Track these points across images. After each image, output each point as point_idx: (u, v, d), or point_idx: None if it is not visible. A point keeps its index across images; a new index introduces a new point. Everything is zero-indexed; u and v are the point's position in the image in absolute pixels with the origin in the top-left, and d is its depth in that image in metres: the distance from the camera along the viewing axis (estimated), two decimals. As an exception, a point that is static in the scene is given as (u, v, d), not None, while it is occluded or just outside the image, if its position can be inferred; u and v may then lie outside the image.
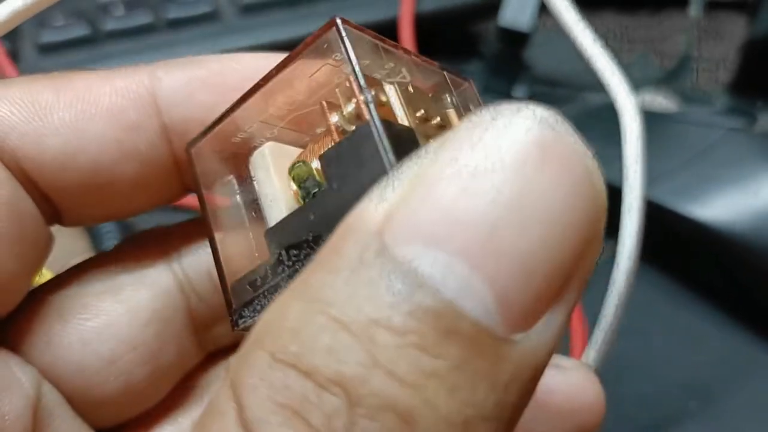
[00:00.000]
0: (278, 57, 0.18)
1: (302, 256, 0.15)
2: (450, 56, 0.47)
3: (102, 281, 0.19)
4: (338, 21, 0.15)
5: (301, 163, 0.16)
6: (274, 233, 0.16)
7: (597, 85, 0.32)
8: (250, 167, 0.18)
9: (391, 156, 0.13)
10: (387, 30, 0.45)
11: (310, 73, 0.16)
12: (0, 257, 0.17)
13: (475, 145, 0.10)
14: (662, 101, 0.43)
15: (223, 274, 0.17)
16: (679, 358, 0.34)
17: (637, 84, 0.41)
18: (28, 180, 0.18)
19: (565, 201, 0.10)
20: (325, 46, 0.15)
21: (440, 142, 0.11)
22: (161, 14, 0.45)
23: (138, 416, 0.20)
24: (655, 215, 0.32)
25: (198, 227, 0.20)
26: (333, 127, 0.16)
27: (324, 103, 0.16)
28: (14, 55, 0.43)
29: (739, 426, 0.32)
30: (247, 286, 0.16)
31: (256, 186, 0.17)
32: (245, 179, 0.18)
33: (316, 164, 0.16)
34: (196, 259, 0.20)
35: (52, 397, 0.18)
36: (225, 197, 0.18)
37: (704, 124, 0.37)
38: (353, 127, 0.15)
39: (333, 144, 0.15)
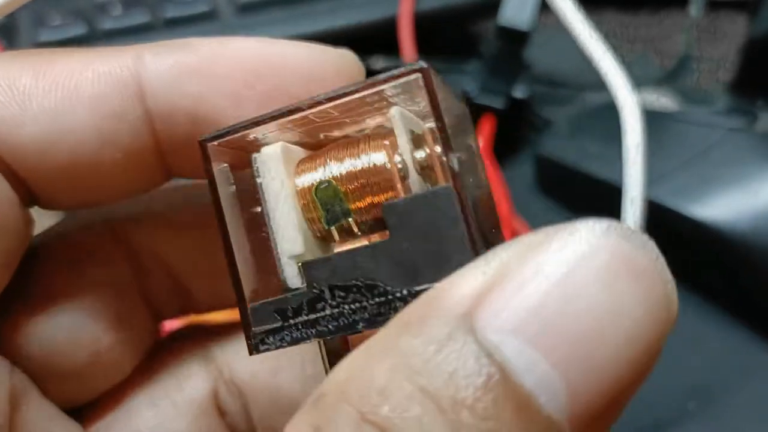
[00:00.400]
0: (270, 42, 0.18)
1: (350, 300, 0.15)
2: (449, 55, 0.47)
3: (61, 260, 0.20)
4: (429, 70, 0.14)
5: (327, 184, 0.16)
6: (314, 267, 0.15)
7: (597, 84, 0.32)
8: (256, 165, 0.17)
9: (477, 239, 0.14)
10: (386, 29, 0.45)
11: (363, 102, 0.16)
12: None
13: (570, 253, 0.12)
14: (662, 100, 0.43)
15: (241, 288, 0.16)
16: (679, 359, 0.34)
17: (637, 83, 0.41)
18: (4, 165, 0.17)
19: (647, 320, 0.12)
20: (400, 87, 0.15)
21: (532, 241, 0.12)
22: (159, 13, 0.44)
23: (108, 391, 0.20)
24: (656, 215, 0.32)
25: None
26: (395, 168, 0.15)
27: (388, 142, 0.16)
28: (11, 54, 0.42)
29: (739, 426, 0.32)
30: (275, 314, 0.16)
31: (262, 185, 0.17)
32: (240, 169, 0.17)
33: (334, 168, 0.16)
34: (142, 241, 0.21)
35: (21, 383, 0.18)
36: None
37: (704, 123, 0.37)
38: (414, 173, 0.15)
39: (393, 193, 0.15)
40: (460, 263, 0.13)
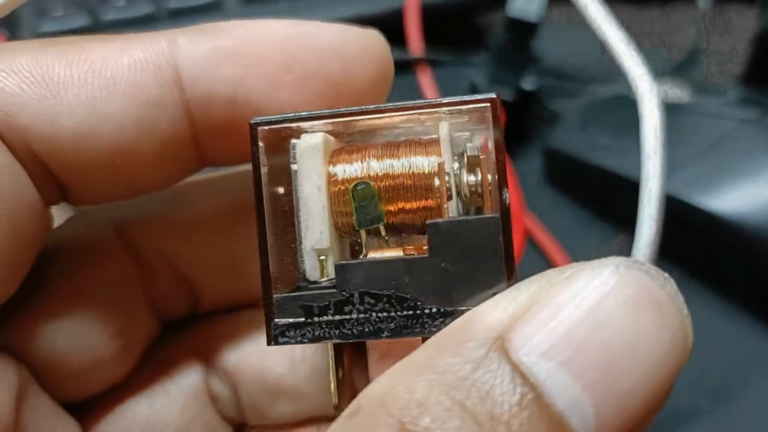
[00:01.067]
0: (302, 24, 0.18)
1: (379, 308, 0.15)
2: (457, 47, 0.47)
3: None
4: (497, 101, 0.15)
5: (365, 185, 0.16)
6: (347, 270, 0.16)
7: (606, 76, 0.31)
8: (294, 151, 0.17)
9: (513, 271, 0.15)
10: (393, 21, 0.45)
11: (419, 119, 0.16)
12: None
13: (598, 286, 0.13)
14: (674, 92, 0.43)
15: (268, 273, 0.16)
16: (693, 355, 0.33)
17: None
18: (36, 161, 0.17)
19: (668, 351, 0.13)
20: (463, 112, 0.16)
21: (561, 274, 0.13)
22: (162, 4, 0.44)
23: (112, 392, 0.20)
24: (668, 206, 0.31)
25: None
26: (444, 188, 0.16)
27: (439, 162, 0.16)
28: (13, 45, 0.42)
29: (753, 423, 0.31)
30: (300, 308, 0.16)
31: (297, 173, 0.17)
32: (276, 151, 0.17)
33: (373, 164, 0.16)
34: (149, 241, 0.20)
35: (23, 377, 0.18)
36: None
37: (717, 115, 0.37)
38: (455, 198, 0.16)
39: (428, 203, 0.16)
40: (494, 292, 0.14)
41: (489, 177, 0.15)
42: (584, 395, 0.12)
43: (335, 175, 0.16)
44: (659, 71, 0.46)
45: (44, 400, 0.19)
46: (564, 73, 0.47)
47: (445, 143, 0.16)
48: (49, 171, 0.17)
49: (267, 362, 0.21)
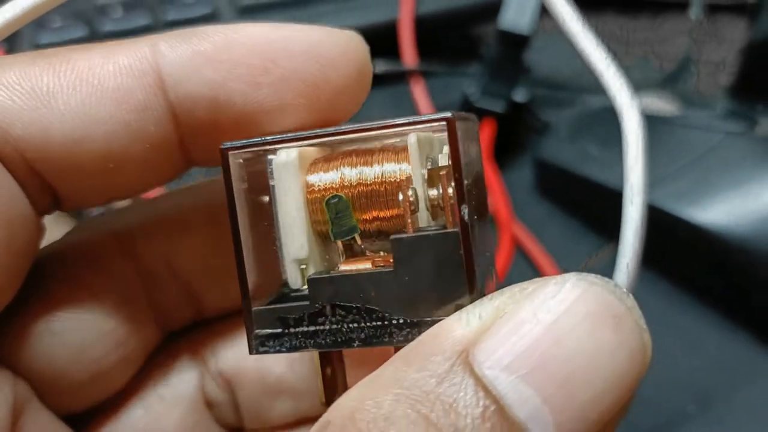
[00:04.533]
0: (280, 27, 0.18)
1: (349, 320, 0.16)
2: (449, 59, 0.47)
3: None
4: (454, 121, 0.15)
5: (338, 199, 0.17)
6: (319, 283, 0.16)
7: (597, 87, 0.32)
8: (271, 167, 0.17)
9: (476, 284, 0.15)
10: (387, 32, 0.45)
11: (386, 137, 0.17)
12: None
13: (559, 302, 0.13)
14: (662, 104, 0.43)
15: (246, 287, 0.17)
16: (678, 362, 0.34)
17: (636, 87, 0.41)
18: (30, 171, 0.17)
19: (626, 364, 0.13)
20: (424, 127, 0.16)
21: (524, 290, 0.14)
22: (159, 16, 0.45)
23: (107, 400, 0.20)
24: (655, 219, 0.32)
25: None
26: (407, 202, 0.16)
27: (405, 178, 0.16)
28: (12, 57, 0.42)
29: (739, 429, 0.32)
30: (277, 321, 0.17)
31: (275, 188, 0.17)
32: (251, 162, 0.18)
33: (347, 173, 0.17)
34: (152, 250, 0.21)
35: (22, 392, 0.18)
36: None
37: (704, 127, 0.37)
38: (424, 209, 0.16)
39: (399, 212, 0.16)
40: (458, 304, 0.15)
41: (450, 191, 0.16)
42: (544, 407, 0.13)
43: (312, 184, 0.17)
44: (649, 82, 0.47)
45: (43, 414, 0.19)
46: (556, 84, 0.47)
47: (413, 156, 0.16)
48: (42, 180, 0.18)
49: (265, 362, 0.21)
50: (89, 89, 0.17)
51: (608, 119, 0.37)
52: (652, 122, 0.35)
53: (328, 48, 0.18)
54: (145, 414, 0.21)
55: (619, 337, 0.13)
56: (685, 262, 0.36)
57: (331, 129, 0.16)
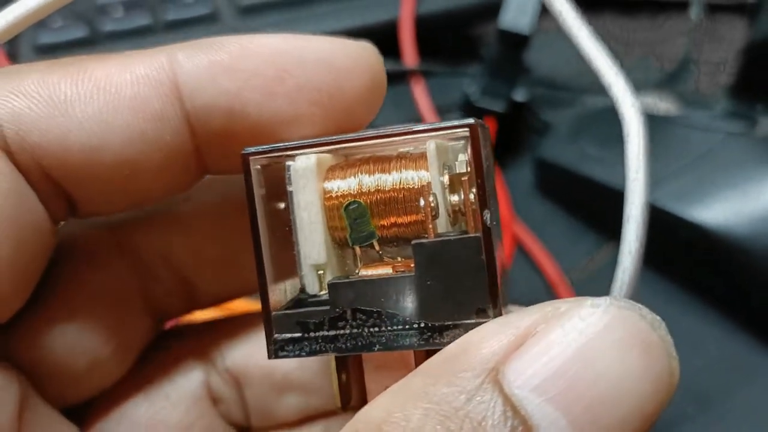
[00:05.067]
0: (294, 38, 0.18)
1: (370, 324, 0.16)
2: (450, 59, 0.47)
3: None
4: (477, 127, 0.16)
5: (356, 205, 0.17)
6: (340, 288, 0.16)
7: (597, 87, 0.32)
8: (289, 173, 0.18)
9: (497, 288, 0.15)
10: (387, 32, 0.45)
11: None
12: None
13: (591, 325, 0.13)
14: (662, 105, 0.43)
15: (266, 293, 0.17)
16: (680, 362, 0.34)
17: (637, 87, 0.41)
18: (46, 178, 0.17)
19: (652, 391, 0.13)
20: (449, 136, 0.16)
21: (557, 309, 0.14)
22: (160, 16, 0.45)
23: (110, 395, 0.21)
24: (656, 219, 0.32)
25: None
26: (429, 208, 0.16)
27: (426, 183, 0.17)
28: (12, 56, 0.42)
29: (738, 429, 0.32)
30: (296, 324, 0.17)
31: (293, 194, 0.17)
32: (270, 166, 0.18)
33: (365, 180, 0.17)
34: (147, 242, 0.21)
35: (24, 388, 0.18)
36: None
37: (704, 127, 0.37)
38: (444, 214, 0.16)
39: (417, 218, 0.17)
40: (479, 308, 0.15)
41: (471, 196, 0.16)
42: (570, 430, 0.13)
43: (330, 191, 0.17)
44: (649, 82, 0.47)
45: (44, 407, 0.19)
46: (556, 84, 0.47)
47: (432, 162, 0.17)
48: (59, 187, 0.18)
49: (273, 360, 0.21)
50: (106, 98, 0.17)
51: (608, 119, 0.37)
52: (652, 122, 0.35)
53: (342, 58, 0.18)
54: (148, 409, 0.21)
55: (648, 364, 0.13)
56: (685, 262, 0.36)
57: (353, 135, 0.17)
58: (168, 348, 0.22)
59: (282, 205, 0.18)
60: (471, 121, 0.16)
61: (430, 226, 0.16)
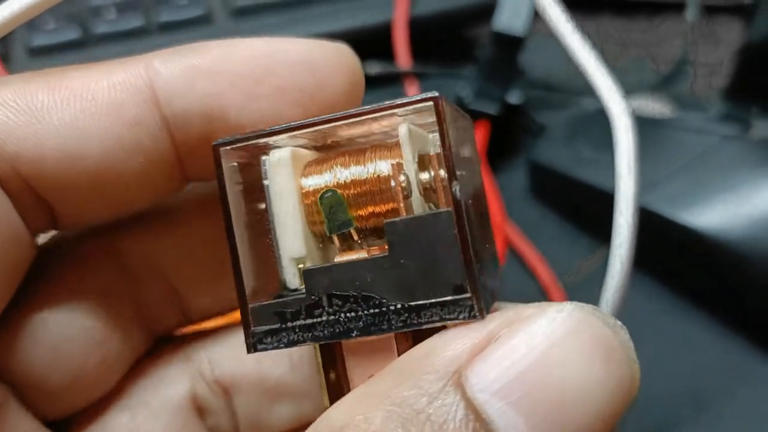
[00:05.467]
0: (272, 40, 0.18)
1: (346, 309, 0.16)
2: (444, 60, 0.47)
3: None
4: (441, 100, 0.15)
5: (331, 193, 0.17)
6: (315, 275, 0.16)
7: (591, 90, 0.32)
8: (265, 168, 0.17)
9: (472, 263, 0.15)
10: (381, 34, 0.45)
11: (374, 122, 0.17)
12: None
13: (553, 330, 0.13)
14: (657, 107, 0.43)
15: (242, 285, 0.17)
16: (672, 366, 0.34)
17: (632, 88, 0.41)
18: (25, 188, 0.17)
19: (614, 397, 0.13)
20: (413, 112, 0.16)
21: (519, 314, 0.14)
22: (153, 18, 0.44)
23: (91, 405, 0.20)
24: (648, 222, 0.32)
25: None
26: (399, 187, 0.16)
27: (395, 161, 0.16)
28: (5, 58, 0.42)
29: (733, 434, 0.32)
30: (274, 315, 0.16)
31: (269, 188, 0.17)
32: (249, 167, 0.18)
33: (340, 173, 0.17)
34: (137, 250, 0.20)
35: (2, 396, 0.18)
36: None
37: (698, 130, 0.37)
38: (417, 194, 0.16)
39: (394, 205, 0.16)
40: (455, 284, 0.15)
41: (442, 173, 0.16)
42: None
43: (307, 187, 0.17)
44: (645, 84, 0.47)
45: (25, 418, 0.19)
46: (550, 86, 0.47)
47: (404, 144, 0.16)
48: (38, 196, 0.18)
49: (265, 365, 0.21)
50: (83, 104, 0.17)
51: (602, 122, 0.37)
52: (646, 124, 0.35)
53: (322, 59, 0.18)
54: (129, 421, 0.20)
55: (610, 370, 0.13)
56: (679, 265, 0.36)
57: (323, 117, 0.16)
58: (153, 356, 0.22)
59: (262, 206, 0.18)
60: (435, 93, 0.15)
61: (402, 205, 0.16)
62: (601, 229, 0.38)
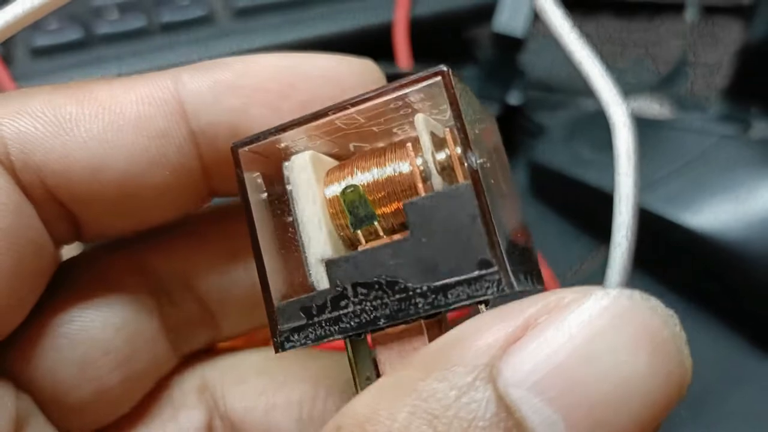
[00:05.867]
0: (296, 55, 0.18)
1: (372, 297, 0.15)
2: (444, 61, 0.47)
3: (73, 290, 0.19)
4: (448, 72, 0.15)
5: (353, 188, 0.16)
6: (336, 265, 0.16)
7: (591, 90, 0.32)
8: (287, 173, 0.17)
9: (495, 235, 0.14)
10: (381, 35, 0.45)
11: (388, 109, 0.16)
12: None
13: (596, 319, 0.12)
14: (656, 107, 0.43)
15: (268, 288, 0.16)
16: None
17: (631, 89, 0.41)
18: (50, 198, 0.17)
19: (660, 394, 0.12)
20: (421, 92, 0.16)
21: (560, 300, 0.13)
22: (155, 18, 0.45)
23: (112, 422, 0.20)
24: (647, 222, 0.32)
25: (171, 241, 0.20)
26: (417, 170, 0.16)
27: (410, 145, 0.16)
28: (7, 59, 0.42)
29: (731, 435, 0.32)
30: (300, 312, 0.16)
31: (292, 192, 0.17)
32: (273, 178, 0.18)
33: (360, 177, 0.17)
34: (168, 267, 0.20)
35: (25, 406, 0.18)
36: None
37: (698, 131, 0.37)
38: (435, 174, 0.16)
39: (413, 188, 0.16)
40: (480, 258, 0.14)
41: (458, 149, 0.15)
42: None
43: (330, 195, 0.17)
44: (644, 84, 0.47)
45: (48, 430, 0.19)
46: (550, 87, 0.47)
47: (421, 131, 0.16)
48: (63, 207, 0.18)
49: (273, 419, 0.21)
50: (111, 117, 0.17)
51: (602, 122, 0.37)
52: (646, 125, 0.35)
53: (347, 74, 0.18)
54: None
55: (657, 364, 0.12)
56: (678, 265, 0.36)
57: (332, 105, 0.16)
58: (173, 380, 0.21)
59: (291, 219, 0.18)
60: (442, 67, 0.15)
61: (420, 185, 0.16)
62: (600, 229, 0.38)
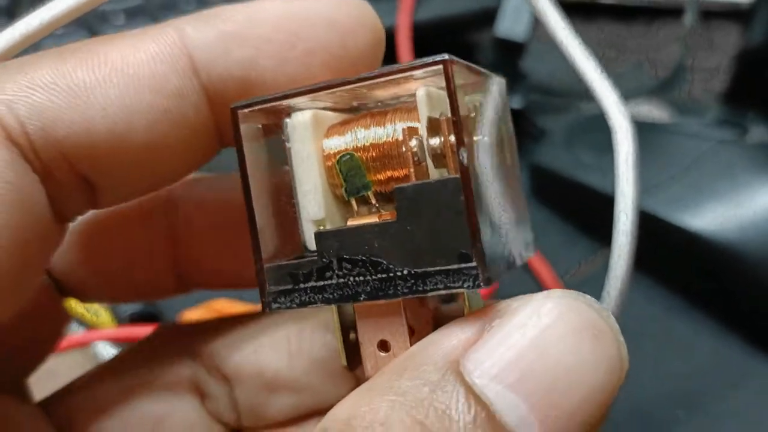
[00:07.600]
0: (293, 2, 0.18)
1: (355, 273, 0.16)
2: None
3: None
4: (450, 62, 0.15)
5: (349, 156, 0.17)
6: (326, 238, 0.16)
7: (591, 94, 0.32)
8: (287, 130, 0.17)
9: (478, 232, 0.15)
10: (385, 38, 0.46)
11: (392, 84, 0.17)
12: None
13: (543, 316, 0.14)
14: (654, 112, 0.44)
15: (259, 248, 0.17)
16: (669, 367, 0.34)
17: (630, 94, 0.41)
18: (69, 170, 0.17)
19: (606, 375, 0.14)
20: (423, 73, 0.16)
21: (509, 305, 0.14)
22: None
23: (84, 383, 0.21)
24: (647, 225, 0.32)
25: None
26: (410, 152, 0.16)
27: (405, 128, 0.16)
28: (15, 63, 0.43)
29: (728, 435, 0.32)
30: (288, 276, 0.17)
31: (291, 150, 0.17)
32: (273, 131, 0.18)
33: (360, 135, 0.17)
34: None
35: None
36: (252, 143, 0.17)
37: (695, 135, 0.38)
38: (428, 160, 0.16)
39: (405, 171, 0.16)
40: (460, 252, 0.15)
41: (452, 138, 0.15)
42: (530, 414, 0.13)
43: (328, 148, 0.17)
44: (643, 89, 0.47)
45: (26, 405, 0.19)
46: (551, 91, 0.48)
47: (421, 107, 0.16)
48: (81, 178, 0.17)
49: (263, 357, 0.21)
50: (126, 80, 0.17)
51: (603, 126, 0.37)
52: (644, 129, 0.35)
53: (346, 17, 0.18)
54: (125, 399, 0.21)
55: (599, 350, 0.14)
56: (677, 268, 0.36)
57: (337, 80, 0.16)
58: (155, 345, 0.22)
59: (287, 168, 0.18)
60: (445, 56, 0.15)
61: (412, 170, 0.16)
62: (601, 232, 0.38)
